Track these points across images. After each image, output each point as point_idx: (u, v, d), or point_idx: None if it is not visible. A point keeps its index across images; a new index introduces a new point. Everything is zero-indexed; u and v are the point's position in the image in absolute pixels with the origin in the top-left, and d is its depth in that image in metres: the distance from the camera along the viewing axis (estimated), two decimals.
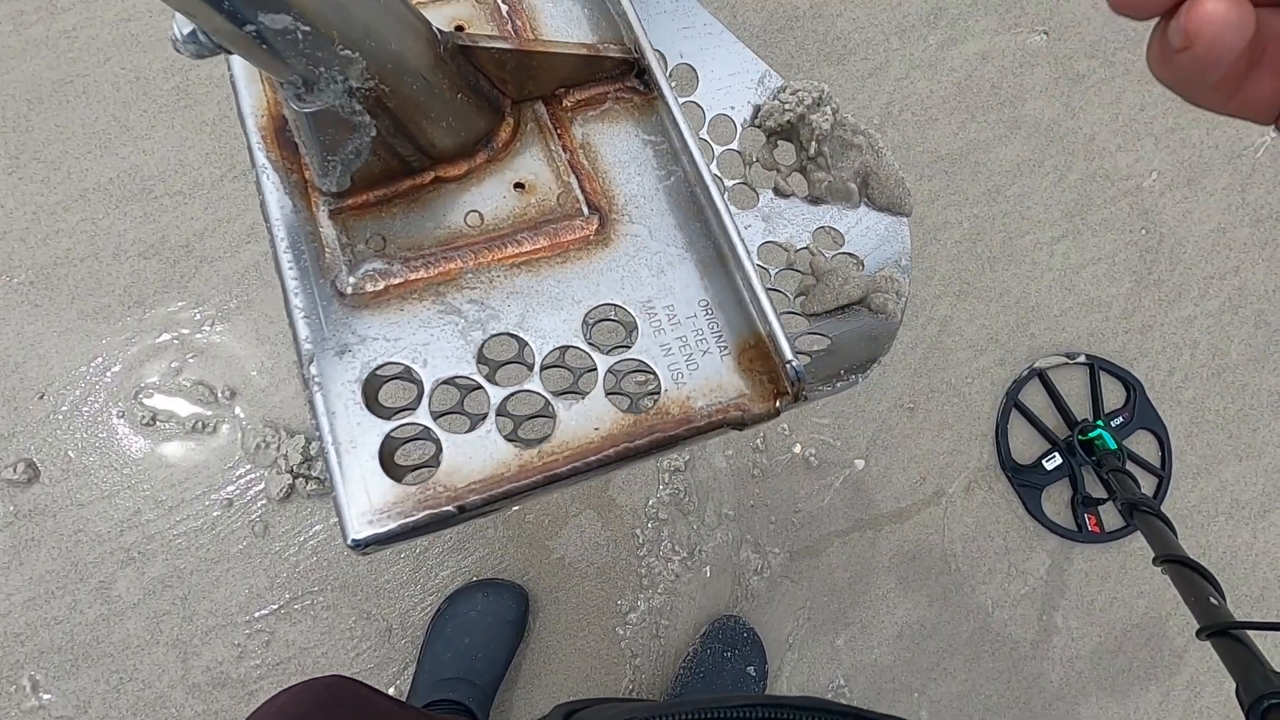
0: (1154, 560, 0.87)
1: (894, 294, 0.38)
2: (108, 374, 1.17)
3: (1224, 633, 0.71)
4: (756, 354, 0.33)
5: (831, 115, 0.39)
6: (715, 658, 1.12)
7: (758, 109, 0.41)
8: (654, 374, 0.33)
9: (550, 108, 0.35)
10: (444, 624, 1.09)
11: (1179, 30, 0.18)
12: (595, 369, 0.32)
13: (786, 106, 0.40)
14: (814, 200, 0.40)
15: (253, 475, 1.13)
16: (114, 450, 1.14)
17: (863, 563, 1.21)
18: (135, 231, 1.21)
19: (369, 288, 0.29)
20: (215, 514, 1.12)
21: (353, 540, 0.28)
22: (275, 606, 1.10)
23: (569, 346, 0.33)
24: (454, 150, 0.31)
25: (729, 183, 0.39)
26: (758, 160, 0.42)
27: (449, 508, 0.29)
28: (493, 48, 0.30)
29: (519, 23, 0.35)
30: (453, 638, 1.06)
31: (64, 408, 1.15)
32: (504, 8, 0.36)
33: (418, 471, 0.32)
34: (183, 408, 1.15)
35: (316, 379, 0.28)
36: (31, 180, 1.21)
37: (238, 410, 1.15)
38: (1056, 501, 1.25)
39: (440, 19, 0.35)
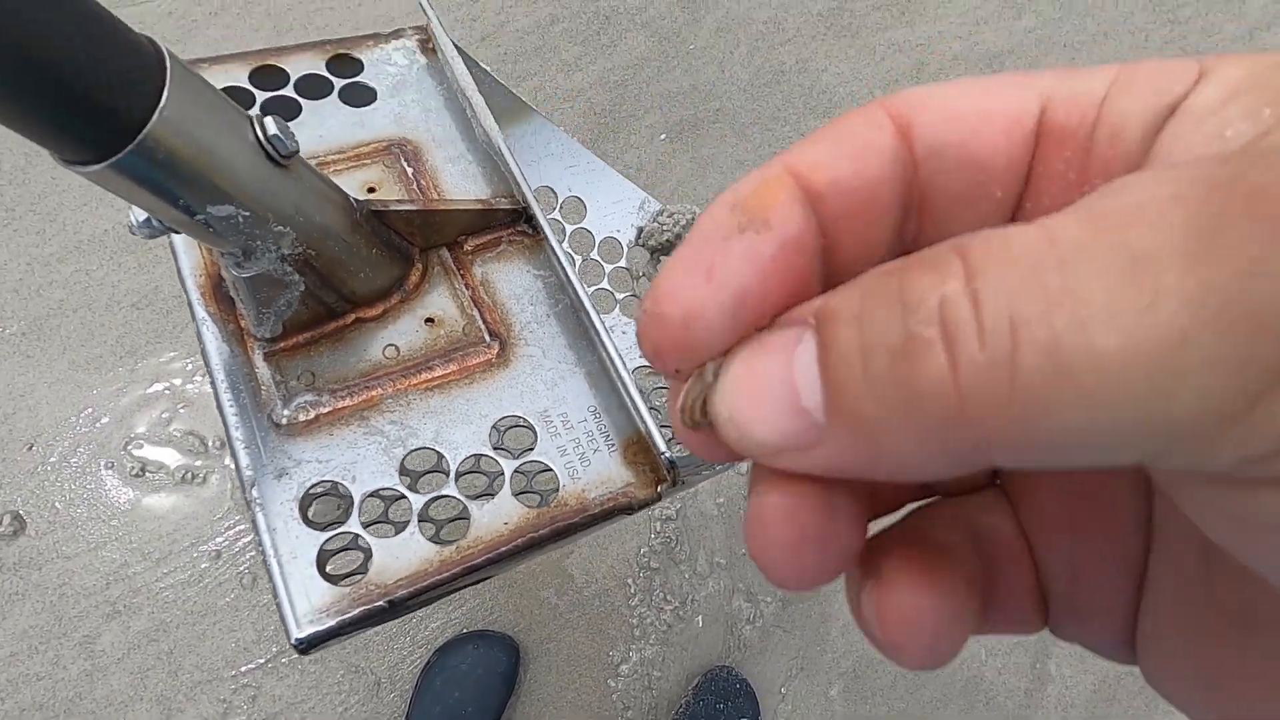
0: None
1: None
2: (97, 424, 1.24)
3: None
4: (639, 448, 0.42)
5: None
6: (708, 710, 1.17)
7: (640, 230, 0.50)
8: (553, 472, 0.41)
9: (453, 252, 0.43)
10: (433, 677, 1.14)
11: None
12: (504, 472, 0.41)
13: (665, 227, 0.48)
14: None
15: (241, 526, 1.19)
16: (102, 501, 1.20)
17: None
18: (129, 282, 1.31)
19: (301, 417, 0.38)
20: (203, 566, 1.18)
21: (296, 639, 0.35)
22: (262, 660, 1.15)
23: (480, 454, 0.41)
24: (372, 295, 0.40)
25: (620, 295, 0.47)
26: (644, 275, 0.50)
27: (380, 603, 0.36)
28: (401, 210, 0.39)
29: (423, 182, 0.45)
30: (442, 691, 1.12)
31: (52, 459, 1.22)
32: (409, 170, 0.45)
33: (352, 575, 0.40)
34: (172, 458, 1.22)
35: (258, 501, 0.36)
36: (27, 232, 1.30)
37: (228, 460, 1.22)
38: None
39: (354, 183, 0.44)
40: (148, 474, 1.22)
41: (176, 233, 0.36)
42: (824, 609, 1.27)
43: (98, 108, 0.28)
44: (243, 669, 1.15)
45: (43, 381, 1.26)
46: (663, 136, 1.58)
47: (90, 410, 1.25)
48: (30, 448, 1.23)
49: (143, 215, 0.35)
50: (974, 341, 0.12)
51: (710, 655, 1.24)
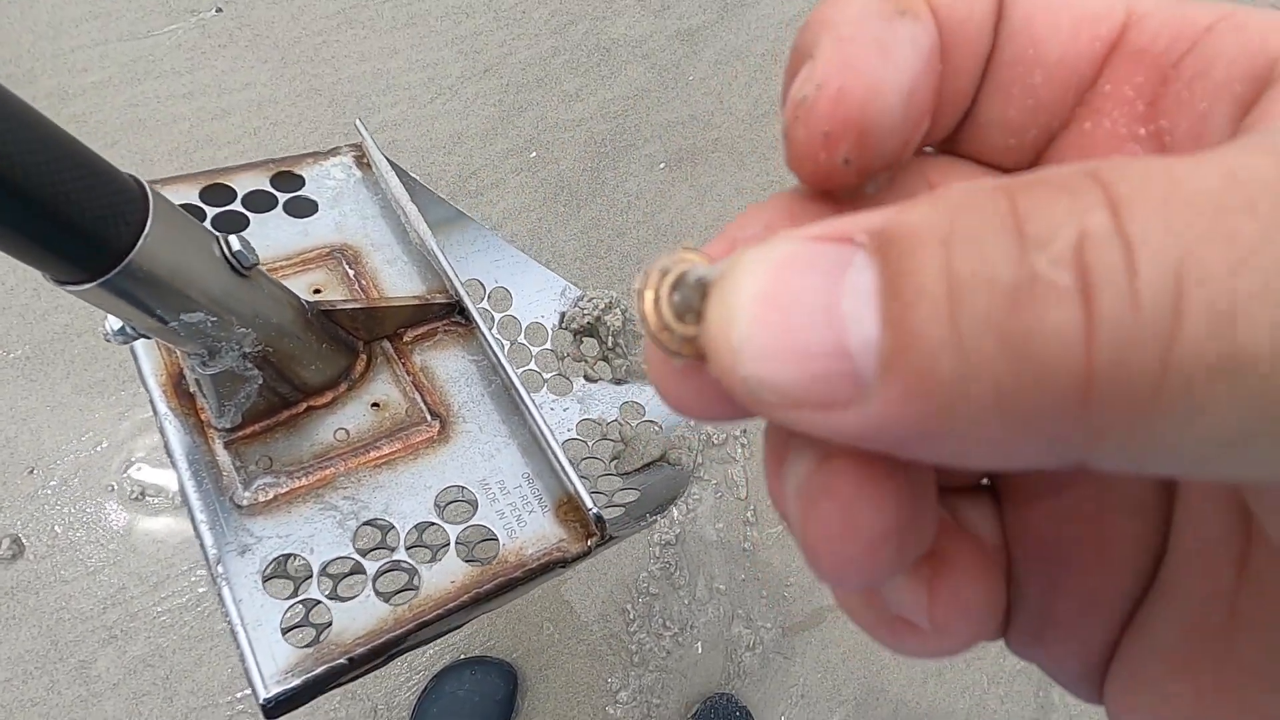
0: None
1: (686, 449, 0.52)
2: (98, 448, 1.28)
3: None
4: (570, 507, 0.48)
5: (621, 315, 0.54)
6: None
7: (563, 315, 0.56)
8: (494, 533, 0.47)
9: (394, 343, 0.50)
10: (430, 704, 1.17)
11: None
12: (449, 536, 0.47)
13: (585, 311, 0.54)
14: (617, 381, 0.55)
15: None
16: (101, 525, 1.23)
17: (856, 638, 1.31)
18: None
19: (261, 498, 0.44)
20: (200, 590, 1.21)
21: (264, 699, 0.39)
22: None
23: (427, 521, 0.47)
24: (322, 385, 0.47)
25: (547, 375, 0.53)
26: (569, 355, 0.56)
27: (341, 660, 0.41)
28: (347, 308, 0.46)
29: (364, 283, 0.52)
30: (440, 718, 1.14)
31: (53, 482, 1.26)
32: (351, 272, 0.52)
33: (315, 638, 0.44)
34: (172, 482, 1.25)
35: (224, 576, 0.42)
36: None
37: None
38: None
39: (301, 285, 0.51)
40: (147, 498, 1.26)
41: (148, 338, 0.42)
42: (825, 635, 1.31)
43: (92, 239, 0.34)
44: (239, 695, 1.18)
45: (45, 405, 1.31)
46: (662, 165, 1.64)
47: (91, 434, 1.29)
48: (31, 471, 1.27)
49: (117, 324, 0.42)
50: (1124, 298, 0.09)
51: (710, 682, 1.28)
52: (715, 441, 1.39)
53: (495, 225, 1.55)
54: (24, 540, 1.23)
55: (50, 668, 1.16)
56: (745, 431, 1.41)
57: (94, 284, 0.35)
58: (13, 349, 1.35)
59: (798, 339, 0.12)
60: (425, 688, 1.21)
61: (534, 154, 1.64)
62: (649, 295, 0.14)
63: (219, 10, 1.77)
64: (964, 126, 0.17)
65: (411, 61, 1.73)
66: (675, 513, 1.35)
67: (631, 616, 1.29)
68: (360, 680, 1.25)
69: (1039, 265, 0.10)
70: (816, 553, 0.13)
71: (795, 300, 0.12)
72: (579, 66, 1.74)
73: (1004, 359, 0.10)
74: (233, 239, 0.41)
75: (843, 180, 0.15)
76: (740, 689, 1.28)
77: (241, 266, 0.42)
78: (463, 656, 1.24)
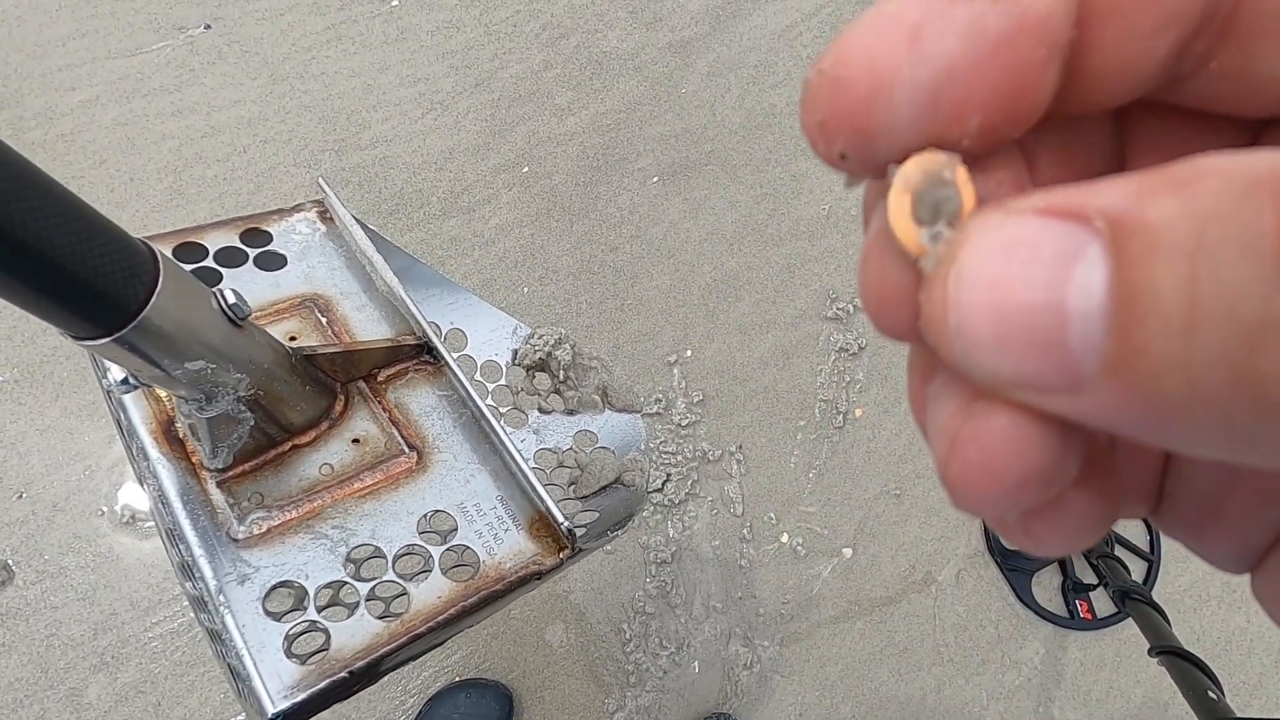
0: (1149, 651, 1.01)
1: (639, 471, 0.60)
2: (88, 472, 1.33)
3: None
4: (542, 524, 0.55)
5: (570, 350, 0.61)
6: None
7: (515, 352, 0.64)
8: (474, 551, 0.54)
9: (369, 384, 0.58)
10: None
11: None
12: (433, 556, 0.54)
13: (536, 348, 0.62)
14: (570, 412, 0.63)
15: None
16: (91, 550, 1.28)
17: (854, 655, 1.36)
18: None
19: (255, 531, 0.51)
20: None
21: (273, 714, 0.45)
22: None
23: (412, 543, 0.54)
24: (305, 424, 0.54)
25: (504, 409, 0.60)
26: (523, 390, 0.63)
27: (342, 674, 0.47)
28: (326, 353, 0.53)
29: (336, 329, 0.59)
30: None
31: (43, 507, 1.30)
32: (323, 320, 0.60)
33: (315, 654, 0.50)
34: None
35: (225, 604, 0.49)
36: None
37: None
38: (1047, 587, 1.39)
39: (279, 333, 0.58)
40: (138, 521, 1.31)
41: (149, 387, 0.50)
42: (823, 652, 1.37)
43: (112, 300, 0.41)
44: None
45: (34, 429, 1.35)
46: (655, 179, 1.71)
47: (81, 458, 1.34)
48: (20, 496, 1.31)
49: (120, 376, 0.49)
50: None
51: (707, 702, 1.33)
52: (711, 459, 1.46)
53: (488, 242, 1.63)
54: (13, 566, 1.26)
55: (41, 695, 1.20)
56: (741, 447, 1.47)
57: (109, 339, 0.42)
58: (1, 373, 1.40)
59: (1017, 330, 0.12)
60: (420, 711, 1.26)
61: (526, 169, 1.71)
62: (899, 196, 0.14)
63: (207, 27, 1.85)
64: (1221, 66, 0.14)
65: (402, 76, 1.80)
66: (671, 531, 1.41)
67: (628, 636, 1.35)
68: (354, 703, 1.32)
69: None
70: (955, 488, 0.14)
71: (1019, 291, 0.12)
72: (571, 80, 1.81)
73: (1235, 396, 0.10)
74: (227, 292, 0.48)
75: (848, 170, 0.15)
76: (738, 709, 1.33)
77: (237, 317, 0.49)
78: (458, 679, 1.29)
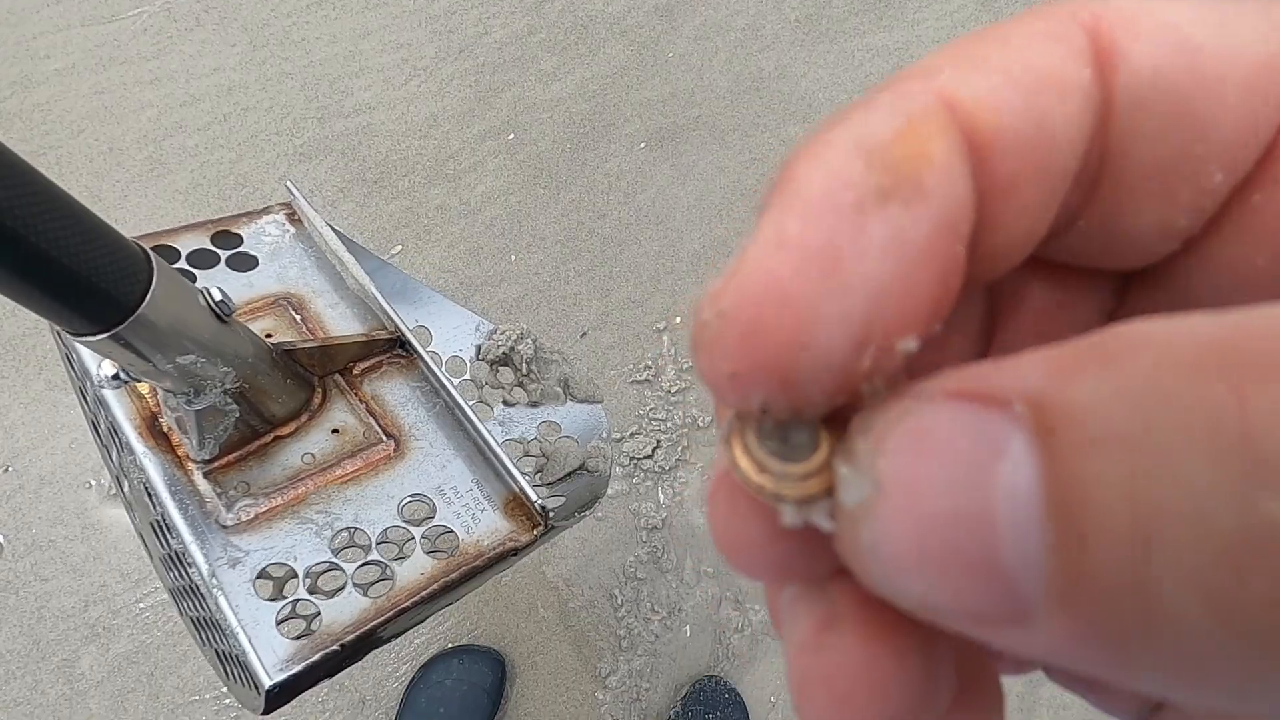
0: None
1: (602, 457, 0.64)
2: (74, 444, 1.35)
3: None
4: (516, 504, 0.59)
5: (532, 344, 0.66)
6: None
7: (479, 348, 0.68)
8: (453, 531, 0.59)
9: (346, 377, 0.62)
10: (418, 693, 1.24)
11: None
12: (414, 536, 0.58)
13: (499, 343, 0.66)
14: (534, 404, 0.67)
15: None
16: (80, 522, 1.29)
17: None
18: None
19: (243, 517, 0.55)
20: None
21: (269, 686, 0.49)
22: None
23: (394, 525, 0.59)
24: (287, 416, 0.58)
25: (470, 402, 0.64)
26: (487, 383, 0.68)
27: (334, 647, 0.52)
28: (305, 348, 0.57)
29: (311, 326, 0.63)
30: (428, 708, 1.22)
31: (30, 480, 1.32)
32: (298, 317, 0.64)
33: (307, 631, 0.54)
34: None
35: (219, 587, 0.53)
36: None
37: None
38: None
39: (255, 330, 0.61)
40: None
41: (139, 382, 0.54)
42: None
43: (108, 298, 0.44)
44: (224, 689, 1.23)
45: (18, 402, 1.37)
46: (642, 145, 1.73)
47: (66, 430, 1.36)
48: (6, 470, 1.33)
49: (111, 371, 0.53)
50: None
51: (699, 665, 1.37)
52: (701, 425, 1.50)
53: (474, 210, 1.65)
54: (1, 539, 1.28)
55: (33, 667, 1.23)
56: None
57: (105, 335, 0.46)
58: None
59: (942, 546, 0.10)
60: (413, 677, 1.29)
61: (512, 136, 1.73)
62: (735, 443, 0.13)
63: None
64: (1097, 218, 0.14)
65: (384, 42, 1.81)
66: (662, 497, 1.45)
67: (619, 601, 1.38)
68: (348, 672, 1.36)
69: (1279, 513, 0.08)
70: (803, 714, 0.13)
71: (937, 495, 0.10)
72: (556, 45, 1.82)
73: (1223, 631, 0.08)
74: (214, 290, 0.52)
75: (767, 421, 0.13)
76: (729, 671, 1.36)
77: (223, 314, 0.53)
78: (450, 645, 1.32)
